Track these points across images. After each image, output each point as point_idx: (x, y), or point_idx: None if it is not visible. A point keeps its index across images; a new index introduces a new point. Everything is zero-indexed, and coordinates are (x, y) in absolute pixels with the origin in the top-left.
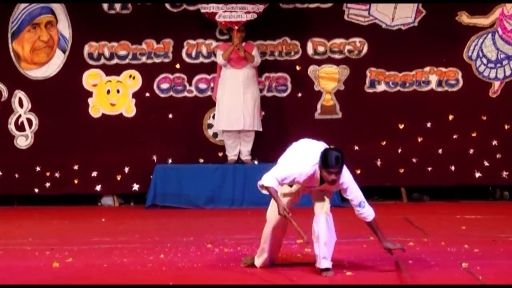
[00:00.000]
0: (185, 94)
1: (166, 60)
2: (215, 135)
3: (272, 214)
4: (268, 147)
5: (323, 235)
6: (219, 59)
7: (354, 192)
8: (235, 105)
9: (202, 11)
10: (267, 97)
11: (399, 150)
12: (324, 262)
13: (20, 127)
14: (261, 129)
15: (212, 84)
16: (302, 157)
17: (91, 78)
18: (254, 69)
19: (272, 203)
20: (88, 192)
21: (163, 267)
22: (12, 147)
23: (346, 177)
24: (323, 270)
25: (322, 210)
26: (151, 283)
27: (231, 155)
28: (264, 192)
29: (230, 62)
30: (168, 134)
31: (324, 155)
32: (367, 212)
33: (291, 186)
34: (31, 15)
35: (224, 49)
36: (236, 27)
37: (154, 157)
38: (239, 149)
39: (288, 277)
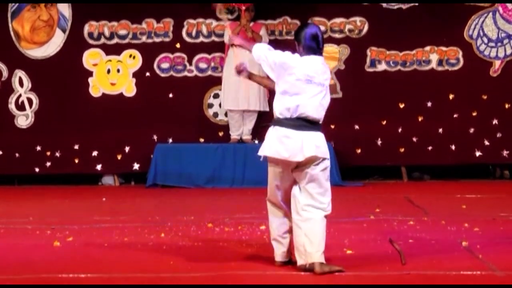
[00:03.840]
0: (186, 73)
1: (166, 39)
2: (216, 114)
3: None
4: (268, 127)
5: None
6: (226, 39)
7: None
8: (241, 84)
9: None
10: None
11: (400, 130)
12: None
13: (20, 107)
14: (267, 109)
15: (213, 64)
16: None
17: (91, 58)
18: None
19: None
20: (89, 171)
21: (163, 246)
22: (13, 126)
23: None
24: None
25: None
26: (151, 262)
27: (234, 135)
28: None
29: None
30: (168, 113)
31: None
32: None
33: None
34: None
35: (232, 29)
36: (244, 7)
37: (155, 137)
38: (242, 128)
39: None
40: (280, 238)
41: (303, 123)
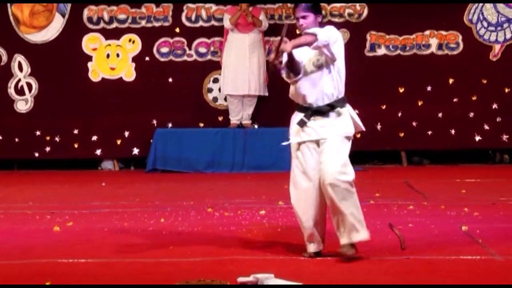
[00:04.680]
0: (185, 58)
1: (166, 24)
2: (215, 99)
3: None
4: (268, 111)
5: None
6: (226, 23)
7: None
8: (240, 69)
9: None
10: (267, 61)
11: (399, 114)
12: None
13: (20, 91)
14: (266, 94)
15: (212, 48)
16: None
17: (90, 42)
18: (260, 34)
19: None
20: (88, 156)
21: (163, 231)
22: (12, 111)
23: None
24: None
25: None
26: (151, 247)
27: (234, 119)
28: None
29: (237, 27)
30: (168, 98)
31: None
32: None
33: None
34: None
35: (231, 13)
36: None
37: (154, 121)
38: (242, 113)
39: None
40: None
41: None
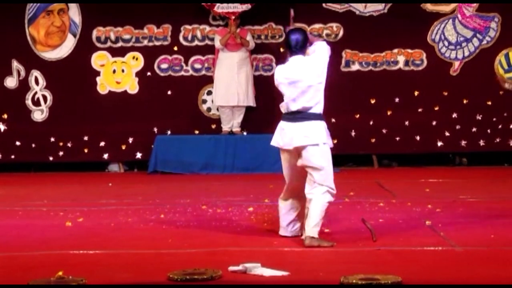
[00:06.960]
0: (182, 73)
1: (165, 43)
2: (209, 109)
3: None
4: (255, 120)
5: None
6: (217, 44)
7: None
8: (230, 83)
9: (202, 3)
10: (254, 76)
11: (371, 122)
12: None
13: (36, 103)
14: (254, 105)
15: (206, 64)
16: None
17: (99, 59)
18: (247, 52)
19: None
20: (97, 159)
21: (163, 225)
22: (29, 120)
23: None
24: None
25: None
26: (152, 240)
27: (225, 127)
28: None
29: (227, 46)
30: (167, 108)
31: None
32: None
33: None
34: (46, 2)
35: (221, 35)
36: (233, 17)
37: (155, 129)
38: (232, 122)
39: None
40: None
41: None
